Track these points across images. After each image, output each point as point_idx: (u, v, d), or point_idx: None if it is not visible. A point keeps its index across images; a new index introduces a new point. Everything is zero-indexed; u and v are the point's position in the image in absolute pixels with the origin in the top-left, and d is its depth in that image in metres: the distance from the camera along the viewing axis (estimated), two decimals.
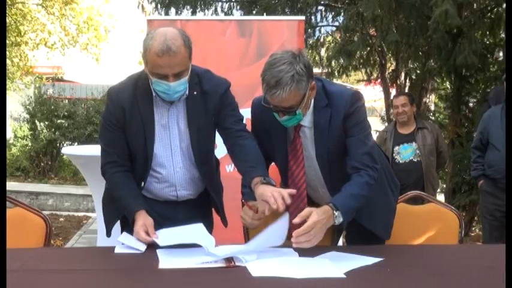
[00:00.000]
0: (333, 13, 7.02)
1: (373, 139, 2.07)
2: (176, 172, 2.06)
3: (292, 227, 1.77)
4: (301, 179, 2.00)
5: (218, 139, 2.16)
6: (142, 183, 2.07)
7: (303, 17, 4.22)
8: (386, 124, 7.26)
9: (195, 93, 2.01)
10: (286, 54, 1.81)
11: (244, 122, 2.11)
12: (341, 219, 1.76)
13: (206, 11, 6.96)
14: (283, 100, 1.80)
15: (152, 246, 1.84)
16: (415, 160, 4.14)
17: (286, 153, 2.01)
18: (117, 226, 2.14)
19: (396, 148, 4.19)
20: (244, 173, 1.97)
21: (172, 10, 6.80)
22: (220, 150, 2.86)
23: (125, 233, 1.93)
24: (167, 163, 2.05)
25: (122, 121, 2.00)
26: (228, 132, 2.06)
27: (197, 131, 2.03)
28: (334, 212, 1.76)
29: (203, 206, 2.18)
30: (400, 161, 4.16)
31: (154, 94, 1.97)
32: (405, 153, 4.15)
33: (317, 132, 1.95)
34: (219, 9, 7.19)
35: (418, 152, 4.13)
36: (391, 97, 6.98)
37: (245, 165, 1.96)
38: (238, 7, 7.31)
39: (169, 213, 2.08)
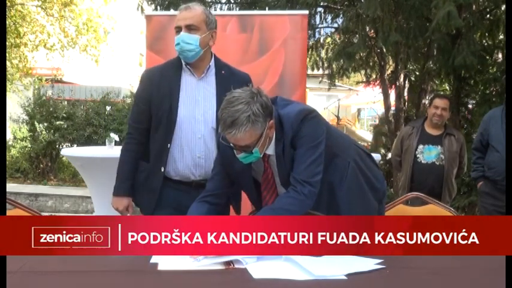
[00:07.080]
0: (332, 15, 7.03)
1: (321, 148, 1.90)
2: (197, 139, 2.25)
3: None
4: None
5: None
6: (169, 145, 2.25)
7: (306, 11, 4.03)
8: (386, 126, 7.29)
9: (223, 72, 2.30)
10: (244, 93, 1.79)
11: None
12: None
13: None
14: (239, 139, 1.79)
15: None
16: (438, 163, 4.00)
17: (253, 183, 2.00)
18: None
19: (420, 147, 4.05)
20: None
21: (172, 12, 6.79)
22: None
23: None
24: (189, 130, 2.25)
25: (150, 91, 2.26)
26: None
27: None
28: None
29: None
30: (422, 161, 4.03)
31: (183, 66, 2.26)
32: (429, 154, 4.04)
33: (277, 160, 1.93)
34: (218, 11, 7.21)
35: (442, 156, 4.00)
36: (390, 99, 7.01)
37: None
38: (237, 8, 7.32)
39: (183, 199, 2.19)
